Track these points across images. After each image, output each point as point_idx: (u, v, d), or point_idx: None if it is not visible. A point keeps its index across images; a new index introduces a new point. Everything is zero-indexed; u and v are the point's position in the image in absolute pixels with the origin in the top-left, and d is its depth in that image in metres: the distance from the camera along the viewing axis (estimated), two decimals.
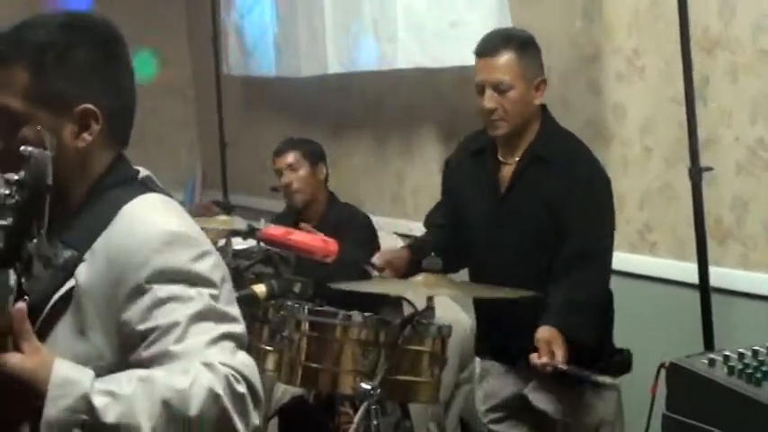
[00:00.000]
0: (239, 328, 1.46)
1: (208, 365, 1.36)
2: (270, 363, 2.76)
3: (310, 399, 3.08)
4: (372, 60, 4.14)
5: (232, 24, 5.35)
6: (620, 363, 2.81)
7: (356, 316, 2.65)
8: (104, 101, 1.55)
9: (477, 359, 3.08)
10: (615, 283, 2.88)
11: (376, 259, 3.01)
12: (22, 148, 1.23)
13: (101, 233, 1.47)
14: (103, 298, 1.44)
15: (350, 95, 4.84)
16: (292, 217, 3.91)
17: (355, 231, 3.73)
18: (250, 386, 1.39)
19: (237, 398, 1.36)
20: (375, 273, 2.95)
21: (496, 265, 2.85)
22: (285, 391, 3.33)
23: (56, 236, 1.44)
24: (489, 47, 2.81)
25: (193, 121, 6.50)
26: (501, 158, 2.88)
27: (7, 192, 1.19)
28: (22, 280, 1.22)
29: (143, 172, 1.62)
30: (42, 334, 1.40)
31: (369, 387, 2.48)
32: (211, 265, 1.48)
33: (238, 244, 3.27)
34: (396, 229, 4.40)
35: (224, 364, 1.37)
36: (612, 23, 3.48)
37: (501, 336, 2.90)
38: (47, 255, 1.23)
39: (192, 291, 1.43)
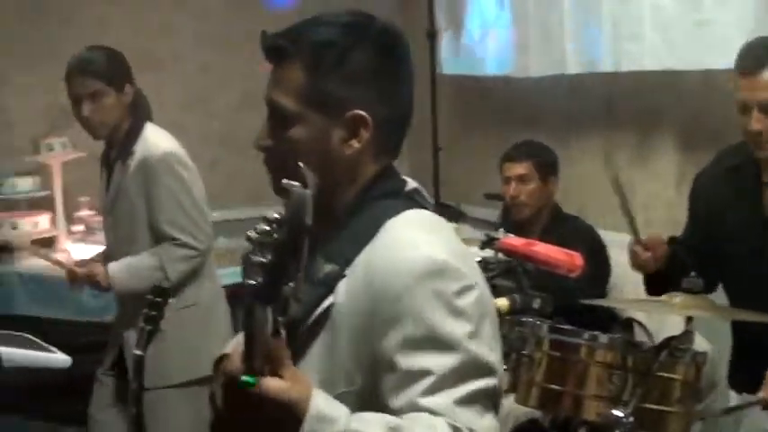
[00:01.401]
0: (493, 380, 1.45)
1: (454, 429, 1.37)
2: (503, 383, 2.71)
3: (546, 422, 3.01)
4: (613, 60, 4.02)
5: (451, 20, 5.35)
6: None
7: (602, 337, 2.56)
8: (377, 108, 1.54)
9: (732, 392, 2.93)
10: None
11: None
12: (284, 182, 1.25)
13: (363, 248, 1.48)
14: (359, 320, 1.45)
15: (578, 98, 4.72)
16: (510, 227, 3.83)
17: (582, 245, 3.64)
18: None
19: None
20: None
21: (762, 292, 2.68)
22: (512, 411, 3.28)
23: (319, 246, 1.46)
24: (754, 63, 2.60)
25: None
26: (765, 180, 2.73)
27: (267, 228, 1.21)
28: (279, 318, 1.24)
29: (411, 184, 1.60)
30: (299, 352, 1.44)
31: (621, 415, 2.39)
32: (473, 301, 1.46)
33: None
34: (624, 245, 4.25)
35: (470, 430, 1.38)
36: None
37: (762, 366, 2.73)
38: (295, 298, 1.24)
39: (450, 330, 1.42)
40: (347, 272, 1.46)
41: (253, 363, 1.27)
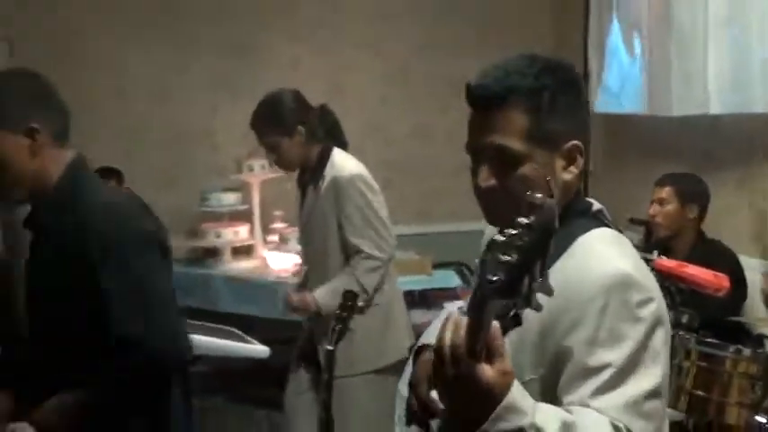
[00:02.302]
0: (658, 383, 1.45)
1: (615, 429, 1.38)
2: None
3: (689, 425, 3.05)
4: (761, 102, 3.95)
5: (600, 64, 5.34)
6: None
7: (745, 351, 2.60)
8: (582, 136, 1.58)
9: None
10: None
11: None
12: (531, 194, 1.23)
13: (557, 258, 1.48)
14: (548, 318, 1.45)
15: (716, 136, 4.69)
16: (650, 248, 3.85)
17: (725, 267, 3.63)
18: None
19: None
20: None
21: None
22: None
23: None
24: None
25: None
26: None
27: (515, 232, 1.19)
28: (519, 312, 1.24)
29: (596, 205, 1.63)
30: None
31: (764, 421, 2.43)
32: (651, 312, 1.47)
33: None
34: (754, 267, 4.20)
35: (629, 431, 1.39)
36: None
37: None
38: (548, 292, 1.22)
39: (628, 335, 1.43)
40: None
41: (474, 347, 1.28)
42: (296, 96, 3.55)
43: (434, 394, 1.76)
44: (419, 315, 5.12)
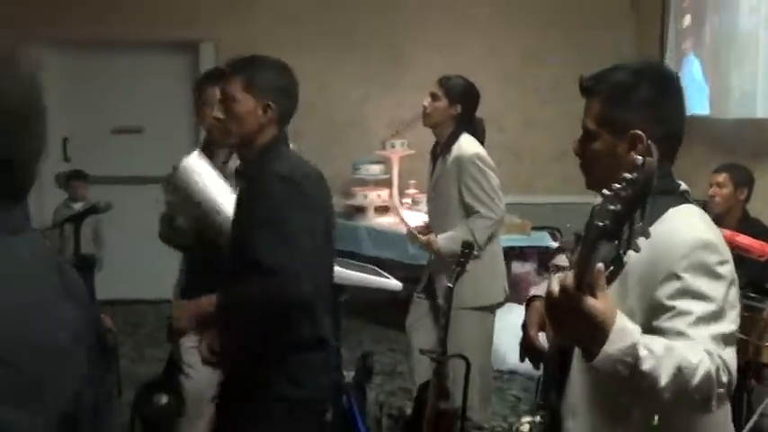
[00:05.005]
0: (733, 327, 1.42)
1: (709, 354, 1.34)
2: None
3: None
4: None
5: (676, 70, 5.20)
6: None
7: None
8: (652, 128, 1.51)
9: None
10: None
11: None
12: (635, 156, 1.17)
13: (652, 225, 1.38)
14: (644, 272, 1.43)
15: (761, 135, 4.51)
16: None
17: (764, 240, 3.55)
18: (729, 378, 1.36)
19: (721, 384, 1.34)
20: None
21: None
22: None
23: None
24: None
25: None
26: None
27: (621, 186, 1.16)
28: (621, 253, 1.20)
29: (683, 185, 1.58)
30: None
31: None
32: (729, 271, 1.44)
33: None
34: None
35: (719, 357, 1.35)
36: None
37: None
38: (646, 234, 1.18)
39: (711, 287, 1.40)
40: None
41: (581, 283, 1.24)
42: (476, 91, 3.56)
43: (542, 336, 1.76)
44: (518, 266, 5.18)
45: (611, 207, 1.15)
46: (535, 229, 5.26)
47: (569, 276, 1.25)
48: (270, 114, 2.15)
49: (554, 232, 5.39)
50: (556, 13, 5.76)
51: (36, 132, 0.98)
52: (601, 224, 1.16)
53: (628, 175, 1.15)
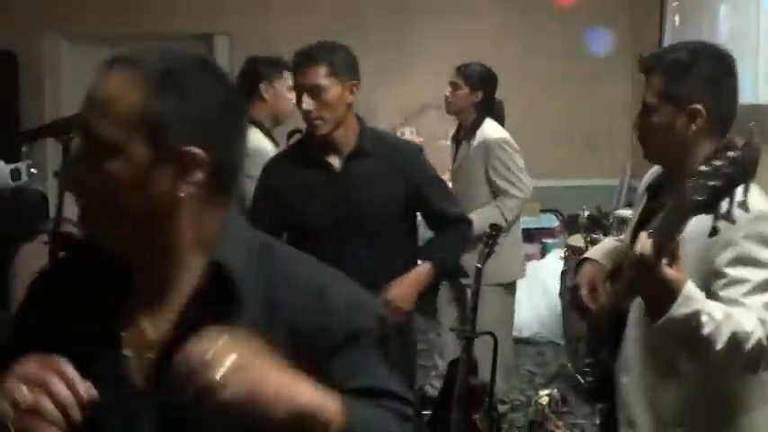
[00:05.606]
0: None
1: (762, 321, 1.39)
2: None
3: None
4: None
5: None
6: None
7: None
8: (711, 103, 1.54)
9: None
10: None
11: None
12: (737, 138, 1.19)
13: None
14: (702, 244, 1.45)
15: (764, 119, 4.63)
16: None
17: None
18: None
19: None
20: None
21: None
22: None
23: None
24: None
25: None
26: None
27: (720, 164, 1.17)
28: (716, 225, 1.21)
29: None
30: None
31: None
32: None
33: None
34: None
35: None
36: None
37: None
38: (746, 209, 1.19)
39: (766, 257, 1.44)
40: None
41: (661, 250, 1.27)
42: (494, 75, 3.65)
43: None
44: (526, 247, 5.33)
45: (711, 183, 1.17)
46: (542, 211, 5.39)
47: (647, 243, 1.28)
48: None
49: (559, 214, 5.56)
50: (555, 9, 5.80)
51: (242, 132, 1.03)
52: (699, 198, 1.18)
53: (731, 154, 1.17)
